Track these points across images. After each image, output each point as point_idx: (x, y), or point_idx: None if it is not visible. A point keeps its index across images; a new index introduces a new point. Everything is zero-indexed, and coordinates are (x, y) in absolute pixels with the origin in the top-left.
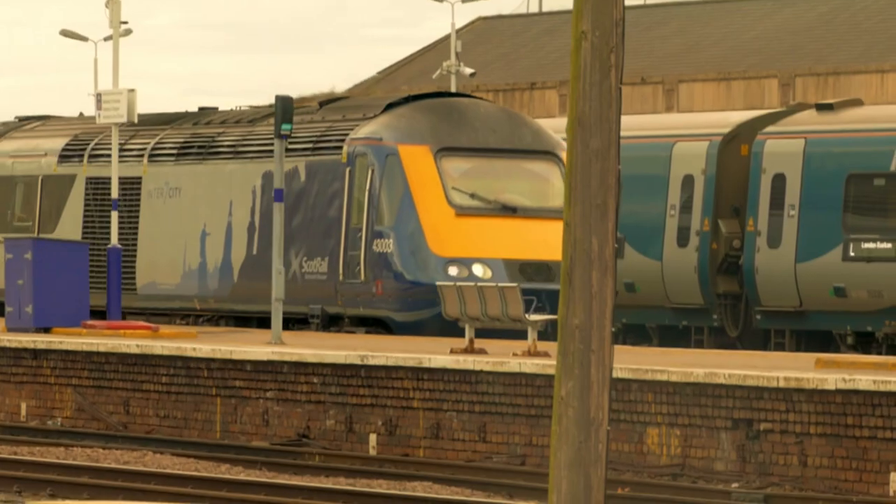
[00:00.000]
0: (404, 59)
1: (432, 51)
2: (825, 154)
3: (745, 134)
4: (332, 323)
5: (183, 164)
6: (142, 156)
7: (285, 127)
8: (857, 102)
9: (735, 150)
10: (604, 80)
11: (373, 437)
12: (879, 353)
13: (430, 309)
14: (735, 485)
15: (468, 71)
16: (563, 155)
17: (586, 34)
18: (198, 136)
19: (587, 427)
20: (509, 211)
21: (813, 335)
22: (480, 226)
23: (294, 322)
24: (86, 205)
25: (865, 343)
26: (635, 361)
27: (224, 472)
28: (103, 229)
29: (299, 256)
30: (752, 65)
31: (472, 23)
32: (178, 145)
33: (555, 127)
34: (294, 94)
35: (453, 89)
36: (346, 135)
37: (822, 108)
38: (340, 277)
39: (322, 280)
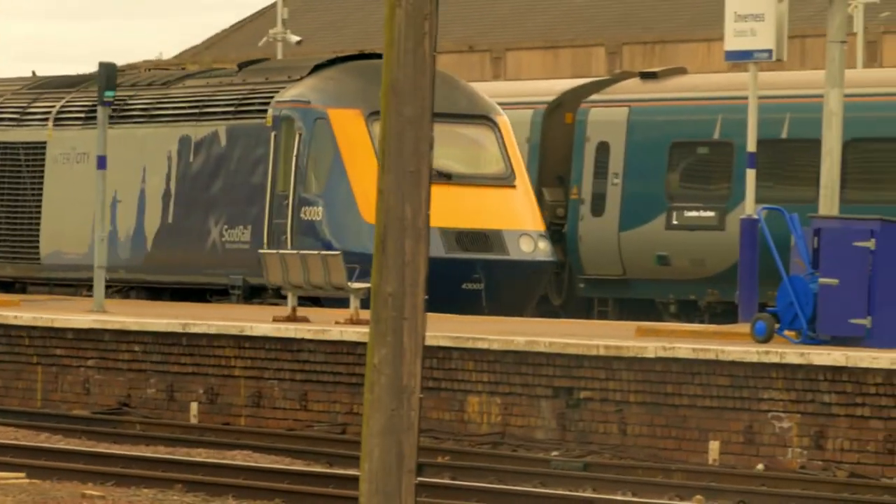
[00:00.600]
0: (233, 26)
1: (261, 18)
2: (648, 122)
3: (569, 102)
4: (254, 294)
5: (91, 129)
6: (46, 120)
7: (108, 94)
8: (682, 71)
9: (559, 118)
10: (417, 47)
11: (194, 406)
12: (702, 322)
13: (360, 280)
14: (555, 453)
15: (294, 39)
16: (499, 119)
17: (400, 1)
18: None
19: (399, 395)
20: (444, 178)
21: (636, 304)
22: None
23: (213, 293)
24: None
25: (688, 312)
26: (456, 329)
27: (44, 440)
28: (7, 197)
29: (219, 224)
30: (580, 33)
31: None
32: (85, 109)
33: None
34: (121, 62)
35: (279, 56)
36: (271, 98)
37: (645, 76)
38: (265, 246)
39: (244, 249)
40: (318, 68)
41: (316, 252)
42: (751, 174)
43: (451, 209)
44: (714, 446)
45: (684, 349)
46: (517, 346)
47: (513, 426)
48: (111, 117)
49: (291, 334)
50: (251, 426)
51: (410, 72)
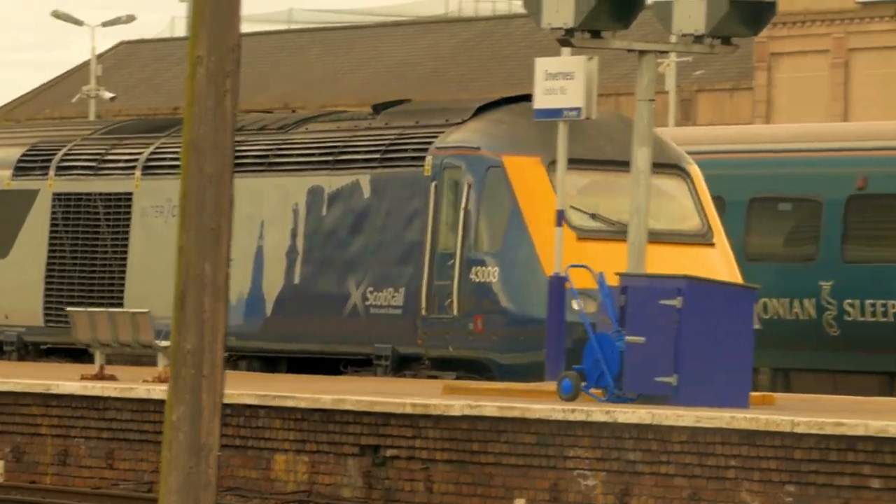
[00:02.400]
0: (49, 83)
1: (76, 74)
2: None
3: None
4: (403, 365)
5: None
6: (132, 168)
7: None
8: None
9: None
10: (218, 105)
11: (0, 464)
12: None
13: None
14: None
15: (108, 95)
16: (690, 169)
17: (202, 59)
18: None
19: (197, 452)
20: None
21: None
22: (606, 251)
23: (350, 364)
24: (52, 226)
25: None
26: (263, 388)
27: None
28: (81, 256)
29: (362, 287)
30: (394, 91)
31: (116, 47)
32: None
33: None
34: None
35: (92, 114)
36: (427, 144)
37: None
38: (423, 312)
39: (395, 315)
40: (482, 110)
41: (124, 310)
42: (558, 232)
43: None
44: None
45: (490, 407)
46: (324, 404)
47: (319, 484)
48: None
49: (98, 392)
50: (57, 484)
51: (211, 129)
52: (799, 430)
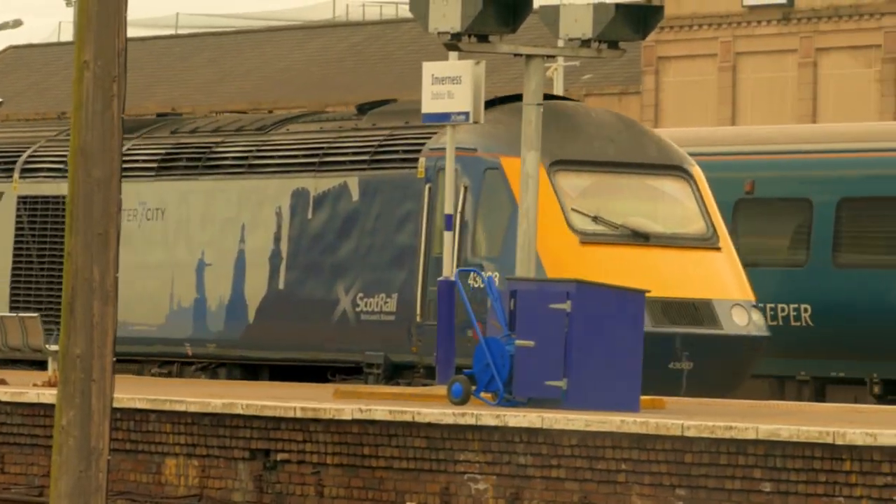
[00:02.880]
0: None
1: None
2: None
3: None
4: (396, 374)
5: (167, 180)
6: None
7: None
8: None
9: None
10: (106, 109)
11: None
12: None
13: None
14: None
15: None
16: (693, 170)
17: (88, 64)
18: (185, 147)
19: (88, 456)
20: (641, 238)
21: None
22: (610, 256)
23: (338, 372)
24: (18, 230)
25: None
26: (154, 392)
27: None
28: (48, 262)
29: (352, 292)
30: (283, 95)
31: (3, 51)
32: (157, 157)
33: None
34: None
35: None
36: (420, 145)
37: None
38: (418, 318)
39: (388, 322)
40: None
41: (14, 314)
42: (448, 236)
43: (651, 276)
44: None
45: (381, 411)
46: (214, 409)
47: (210, 488)
48: (193, 168)
49: None
50: None
51: (99, 134)
52: (689, 433)
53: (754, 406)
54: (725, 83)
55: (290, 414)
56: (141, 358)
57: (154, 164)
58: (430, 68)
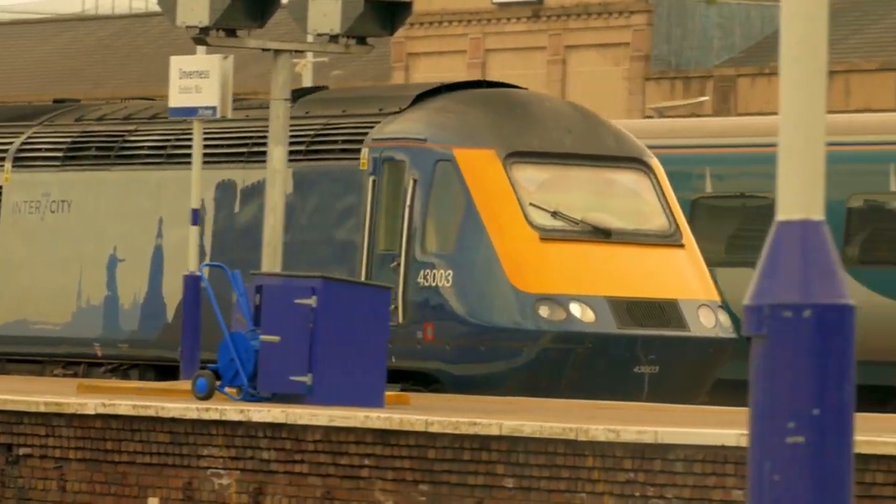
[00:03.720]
0: None
1: None
2: None
3: None
4: None
5: (73, 171)
6: (2, 159)
7: None
8: None
9: None
10: None
11: None
12: None
13: (508, 360)
14: None
15: None
16: (652, 163)
17: None
18: (95, 135)
19: None
20: (601, 234)
21: None
22: (571, 253)
23: None
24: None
25: None
26: None
27: None
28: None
29: None
30: (31, 88)
31: None
32: (62, 146)
33: None
34: None
35: None
36: (362, 134)
37: None
38: None
39: None
40: (421, 97)
41: None
42: (194, 231)
43: (615, 274)
44: (153, 503)
45: (124, 406)
46: None
47: None
48: (104, 157)
49: None
50: None
51: None
52: (433, 429)
53: (498, 402)
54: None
55: (34, 408)
56: (43, 358)
57: (59, 154)
58: (177, 62)
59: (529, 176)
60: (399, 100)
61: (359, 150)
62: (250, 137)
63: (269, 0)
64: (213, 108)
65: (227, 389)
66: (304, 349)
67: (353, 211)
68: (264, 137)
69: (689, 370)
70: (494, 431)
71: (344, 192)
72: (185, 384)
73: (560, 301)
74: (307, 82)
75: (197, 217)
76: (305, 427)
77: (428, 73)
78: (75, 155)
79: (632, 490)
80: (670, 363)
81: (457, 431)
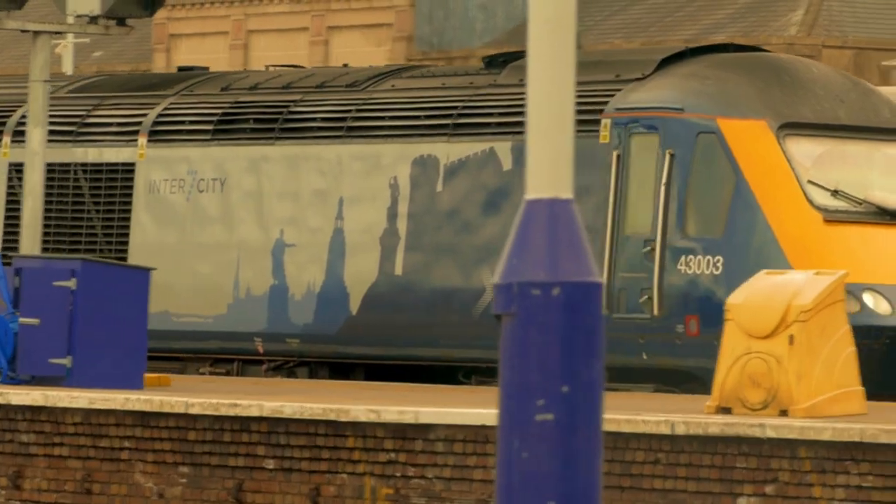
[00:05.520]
0: None
1: None
2: None
3: None
4: None
5: (227, 146)
6: (134, 133)
7: None
8: None
9: None
10: None
11: None
12: None
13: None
14: None
15: None
16: None
17: None
18: (250, 105)
19: None
20: (888, 216)
21: None
22: (858, 236)
23: (476, 373)
24: (9, 199)
25: None
26: None
27: None
28: (55, 237)
29: None
30: None
31: None
32: (212, 118)
33: None
34: None
35: None
36: (601, 104)
37: None
38: (604, 310)
39: None
40: (667, 62)
41: None
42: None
43: None
44: None
45: None
46: None
47: None
48: (263, 131)
49: None
50: None
51: None
52: (193, 410)
53: (260, 384)
54: (237, 62)
55: None
56: (187, 355)
57: (208, 127)
58: None
59: (805, 150)
60: (640, 65)
61: (595, 122)
62: (454, 107)
63: None
64: None
65: None
66: (64, 332)
67: (591, 189)
68: (472, 107)
69: None
70: (255, 412)
71: (580, 169)
72: None
73: (852, 291)
74: (67, 64)
75: None
76: (65, 409)
77: (190, 54)
78: (228, 128)
79: (393, 470)
80: None
81: (217, 413)
